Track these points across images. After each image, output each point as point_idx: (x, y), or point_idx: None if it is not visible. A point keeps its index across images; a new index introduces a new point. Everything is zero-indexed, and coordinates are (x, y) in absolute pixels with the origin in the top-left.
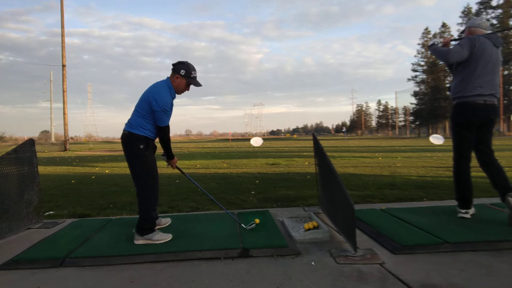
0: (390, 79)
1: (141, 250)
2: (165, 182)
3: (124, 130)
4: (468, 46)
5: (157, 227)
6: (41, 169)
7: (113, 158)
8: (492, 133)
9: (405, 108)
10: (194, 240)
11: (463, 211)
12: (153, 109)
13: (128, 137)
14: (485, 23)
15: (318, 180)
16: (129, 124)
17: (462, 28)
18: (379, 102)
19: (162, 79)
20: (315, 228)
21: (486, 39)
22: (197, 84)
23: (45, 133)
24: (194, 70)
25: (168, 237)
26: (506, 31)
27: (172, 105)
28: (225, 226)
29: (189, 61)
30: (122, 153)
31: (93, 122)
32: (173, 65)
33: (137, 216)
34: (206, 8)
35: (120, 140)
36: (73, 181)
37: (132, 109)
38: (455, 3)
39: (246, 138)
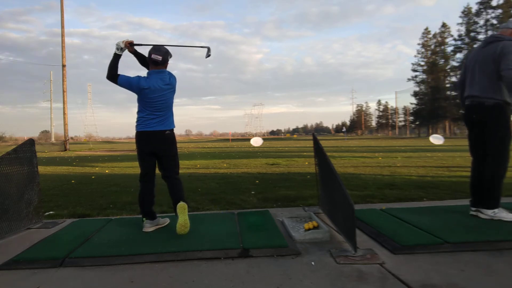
0: (390, 79)
1: (141, 250)
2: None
3: None
4: (461, 66)
5: (156, 227)
6: (41, 169)
7: (113, 158)
8: (490, 137)
9: (405, 108)
10: (194, 240)
11: (473, 209)
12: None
13: None
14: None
15: (318, 180)
16: None
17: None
18: (379, 102)
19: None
20: (315, 228)
21: (479, 45)
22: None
23: (45, 133)
24: (152, 50)
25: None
26: None
27: (139, 85)
28: (225, 226)
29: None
30: (122, 153)
31: (93, 122)
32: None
33: (138, 216)
34: (206, 8)
35: (120, 140)
36: (73, 181)
37: (133, 109)
38: (455, 3)
39: (246, 138)
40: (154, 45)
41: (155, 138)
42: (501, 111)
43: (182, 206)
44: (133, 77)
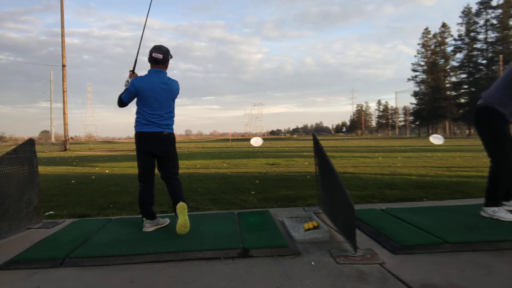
0: (390, 79)
1: (141, 250)
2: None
3: None
4: None
5: (156, 227)
6: (41, 169)
7: (113, 158)
8: (484, 138)
9: (405, 108)
10: (194, 240)
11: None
12: None
13: None
14: None
15: (318, 180)
16: None
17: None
18: (379, 102)
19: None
20: (315, 228)
21: None
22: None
23: (45, 133)
24: (153, 49)
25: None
26: (506, 31)
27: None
28: (225, 226)
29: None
30: (122, 153)
31: (93, 122)
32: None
33: (138, 216)
34: (206, 8)
35: (120, 140)
36: (73, 181)
37: (133, 109)
38: (455, 3)
39: (246, 138)
40: (154, 45)
41: (154, 139)
42: (489, 115)
43: (182, 206)
44: (129, 86)
